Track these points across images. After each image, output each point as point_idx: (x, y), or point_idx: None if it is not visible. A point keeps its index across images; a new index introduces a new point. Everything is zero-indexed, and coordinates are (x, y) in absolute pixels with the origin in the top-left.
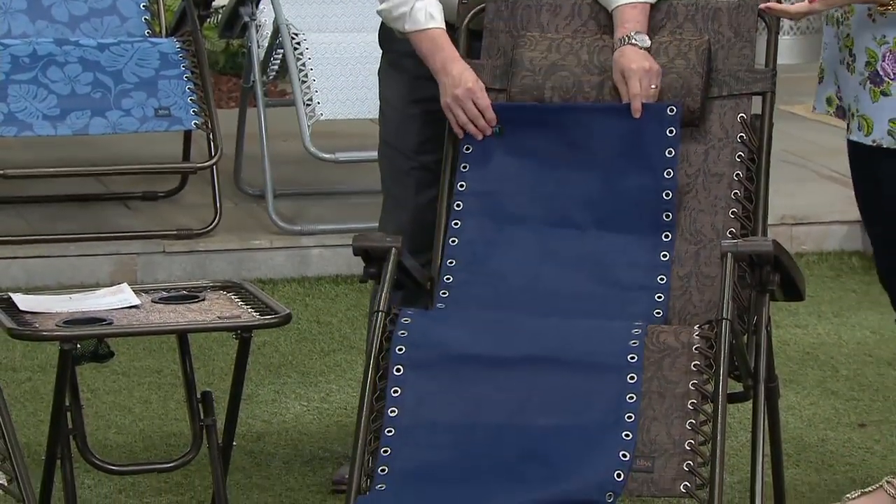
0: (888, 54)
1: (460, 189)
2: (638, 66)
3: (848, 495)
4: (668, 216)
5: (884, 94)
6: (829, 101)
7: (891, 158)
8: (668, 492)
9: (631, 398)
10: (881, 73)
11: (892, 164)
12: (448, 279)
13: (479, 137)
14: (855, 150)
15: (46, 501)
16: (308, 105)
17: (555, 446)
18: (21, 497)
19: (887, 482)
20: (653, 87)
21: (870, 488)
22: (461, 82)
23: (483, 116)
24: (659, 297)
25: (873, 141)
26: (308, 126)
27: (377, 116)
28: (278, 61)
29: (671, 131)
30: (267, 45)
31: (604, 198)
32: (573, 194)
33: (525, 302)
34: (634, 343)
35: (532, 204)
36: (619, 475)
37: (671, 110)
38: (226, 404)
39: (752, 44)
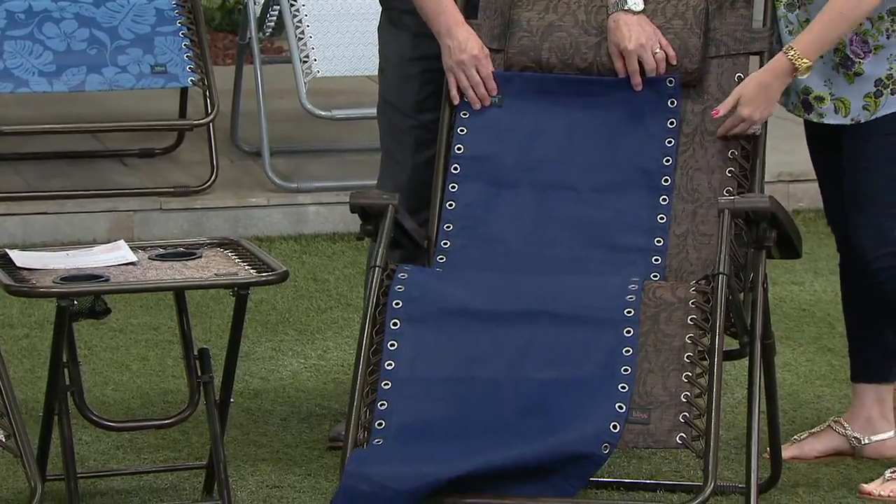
0: (854, 38)
1: (458, 152)
2: (634, 45)
3: (796, 437)
4: (666, 181)
5: (857, 74)
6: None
7: (853, 129)
8: (663, 443)
9: (627, 351)
10: (851, 55)
11: (859, 129)
12: (445, 244)
13: (477, 106)
14: (820, 130)
15: (44, 457)
16: (304, 62)
17: (551, 399)
18: (19, 452)
19: (834, 421)
20: (656, 51)
21: (816, 428)
22: (467, 48)
23: (485, 84)
24: (656, 260)
25: (852, 119)
26: (304, 83)
27: (374, 73)
28: (275, 18)
29: (672, 102)
30: (263, 1)
31: (602, 163)
32: (571, 160)
33: (522, 266)
34: (631, 298)
35: (530, 169)
36: (615, 427)
37: (670, 81)
38: (223, 361)
39: (750, 3)
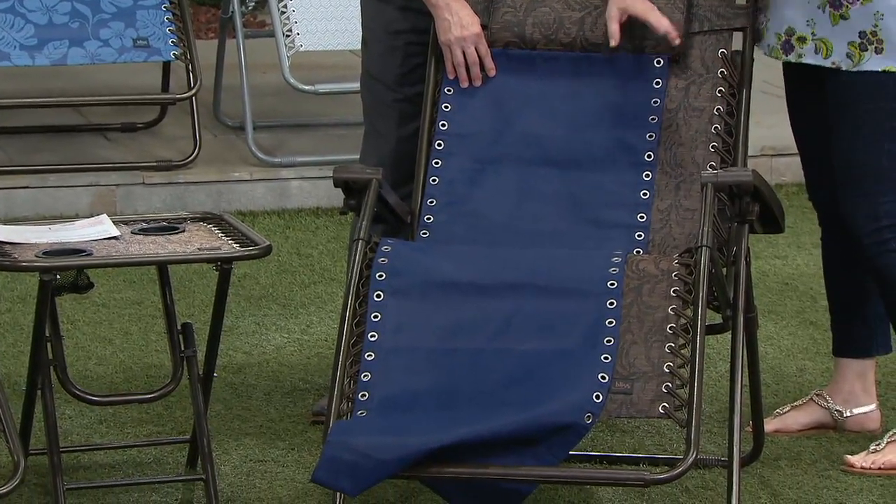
0: None
1: (442, 128)
2: (643, 6)
3: (778, 410)
4: (649, 156)
5: (843, 17)
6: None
7: (840, 77)
8: (646, 413)
9: (610, 322)
10: None
11: (842, 83)
12: (428, 219)
13: (465, 84)
14: (801, 72)
15: (27, 432)
16: (287, 36)
17: (535, 370)
18: (2, 427)
19: (816, 394)
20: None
21: (798, 401)
22: (470, 26)
23: (482, 63)
24: (639, 236)
25: (832, 63)
26: (287, 57)
27: (357, 48)
28: None
29: (657, 83)
30: None
31: (586, 140)
32: (555, 137)
33: (505, 241)
34: (614, 270)
35: (513, 145)
36: (597, 397)
37: (658, 62)
38: (206, 336)
39: None
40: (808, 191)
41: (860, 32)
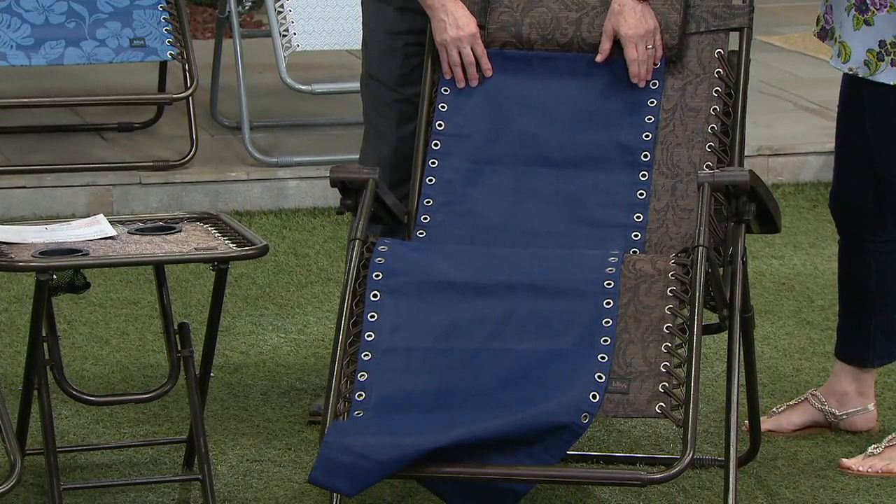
0: None
1: (438, 128)
2: (633, 32)
3: (774, 409)
4: (646, 156)
5: (867, 23)
6: (817, 21)
7: (869, 88)
8: (643, 413)
9: (607, 322)
10: (868, 1)
11: (871, 94)
12: (425, 219)
13: (462, 85)
14: (844, 78)
15: (24, 432)
16: (284, 36)
17: (531, 369)
18: None
19: (811, 394)
20: (649, 48)
21: (794, 401)
22: (465, 26)
23: (478, 64)
24: (636, 236)
25: (850, 69)
26: (284, 57)
27: (354, 47)
28: None
29: (654, 83)
30: None
31: (582, 140)
32: (552, 137)
33: (502, 240)
34: (611, 270)
35: (510, 145)
36: (594, 396)
37: (655, 64)
38: (203, 336)
39: None
40: (834, 193)
41: (880, 41)
